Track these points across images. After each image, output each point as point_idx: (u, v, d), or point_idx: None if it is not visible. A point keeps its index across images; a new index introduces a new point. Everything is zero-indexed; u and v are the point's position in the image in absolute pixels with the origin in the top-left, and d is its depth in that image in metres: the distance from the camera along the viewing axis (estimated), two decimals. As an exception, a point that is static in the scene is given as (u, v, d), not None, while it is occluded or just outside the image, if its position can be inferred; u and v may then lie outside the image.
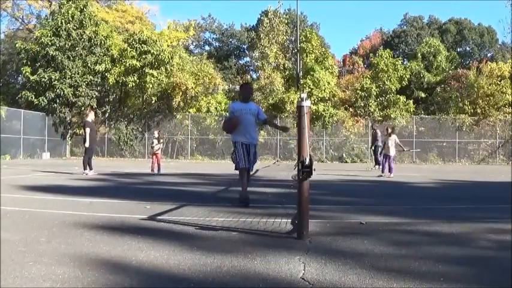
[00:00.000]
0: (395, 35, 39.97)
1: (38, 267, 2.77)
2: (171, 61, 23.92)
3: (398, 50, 37.81)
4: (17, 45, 23.51)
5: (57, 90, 22.16)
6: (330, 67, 26.04)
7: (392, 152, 12.10)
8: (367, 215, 5.05)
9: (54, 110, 22.84)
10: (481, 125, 24.33)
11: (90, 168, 11.14)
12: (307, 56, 25.22)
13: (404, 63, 29.94)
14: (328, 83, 24.27)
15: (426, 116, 25.39)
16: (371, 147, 16.31)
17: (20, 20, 32.93)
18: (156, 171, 12.02)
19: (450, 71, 28.57)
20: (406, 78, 25.57)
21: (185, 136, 24.48)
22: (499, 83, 24.46)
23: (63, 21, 22.66)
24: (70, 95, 22.50)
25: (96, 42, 23.41)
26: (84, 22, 23.27)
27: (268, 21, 27.52)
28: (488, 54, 37.74)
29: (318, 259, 3.05)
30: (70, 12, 22.85)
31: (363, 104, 24.76)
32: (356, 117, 24.68)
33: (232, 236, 3.85)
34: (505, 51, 36.25)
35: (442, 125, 24.63)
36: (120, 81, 23.37)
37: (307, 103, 3.69)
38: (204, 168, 16.35)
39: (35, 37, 24.02)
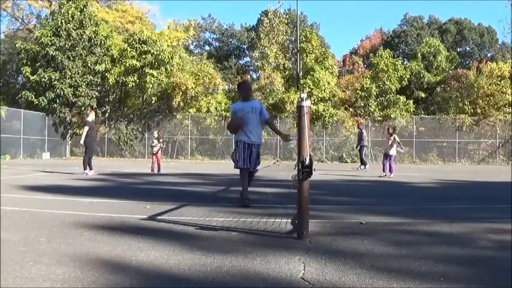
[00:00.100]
0: (395, 35, 39.96)
1: (38, 267, 2.77)
2: (171, 61, 23.92)
3: (398, 50, 37.80)
4: (17, 45, 23.52)
5: (57, 90, 22.15)
6: (330, 67, 26.03)
7: (393, 151, 12.10)
8: (367, 215, 5.05)
9: (54, 110, 22.84)
10: (481, 125, 24.32)
11: (90, 168, 11.14)
12: (307, 56, 25.22)
13: (404, 63, 29.93)
14: (328, 83, 24.26)
15: (426, 116, 25.38)
16: (357, 147, 16.32)
17: (20, 20, 32.96)
18: (156, 171, 12.02)
19: (450, 71, 28.55)
20: (406, 78, 25.56)
21: (185, 136, 24.48)
22: (499, 83, 24.44)
23: (63, 21, 22.66)
24: (70, 95, 22.50)
25: (96, 42, 23.41)
26: (84, 22, 23.27)
27: (268, 21, 27.52)
28: (488, 54, 37.74)
29: (318, 259, 3.05)
30: (70, 12, 22.85)
31: (362, 104, 24.76)
32: (356, 117, 24.67)
33: (232, 236, 3.85)
34: (505, 51, 36.25)
35: (442, 125, 24.62)
36: (120, 81, 23.37)
37: (307, 103, 3.69)
38: (204, 168, 16.36)
39: (35, 37, 24.02)
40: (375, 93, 24.64)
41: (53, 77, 22.10)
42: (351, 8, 67.77)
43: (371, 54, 32.38)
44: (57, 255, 3.08)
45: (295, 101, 19.04)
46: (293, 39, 29.10)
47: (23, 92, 22.69)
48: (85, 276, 2.60)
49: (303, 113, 3.66)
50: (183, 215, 4.88)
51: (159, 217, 4.73)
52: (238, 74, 33.78)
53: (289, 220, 4.44)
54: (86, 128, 11.17)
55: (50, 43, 22.30)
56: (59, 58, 22.28)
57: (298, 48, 22.65)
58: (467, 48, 39.14)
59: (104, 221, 4.48)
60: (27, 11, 32.50)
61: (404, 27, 41.08)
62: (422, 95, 27.40)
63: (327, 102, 24.45)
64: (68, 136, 24.35)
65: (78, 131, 23.07)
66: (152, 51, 23.13)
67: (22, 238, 3.60)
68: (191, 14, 77.33)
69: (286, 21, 28.79)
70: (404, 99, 24.88)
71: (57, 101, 22.57)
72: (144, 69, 23.04)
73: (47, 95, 22.23)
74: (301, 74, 23.48)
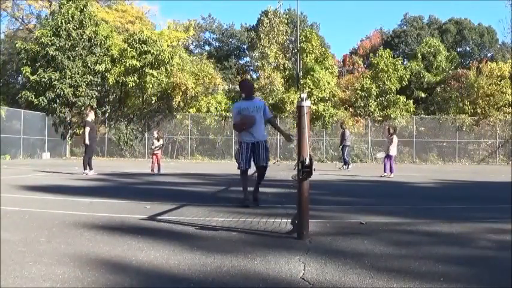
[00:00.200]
0: (395, 35, 39.95)
1: (38, 267, 2.77)
2: (171, 61, 23.92)
3: (398, 50, 37.80)
4: (17, 45, 23.52)
5: (57, 90, 22.15)
6: (330, 67, 26.03)
7: (393, 152, 12.09)
8: (367, 215, 5.05)
9: (54, 110, 22.83)
10: (481, 125, 24.33)
11: (90, 168, 11.14)
12: (307, 56, 25.21)
13: (404, 63, 29.93)
14: (328, 83, 24.26)
15: (426, 116, 25.38)
16: (339, 147, 16.28)
17: (20, 20, 32.96)
18: (156, 171, 12.02)
19: (450, 71, 28.55)
20: (406, 78, 25.55)
21: (185, 136, 24.48)
22: (499, 83, 24.44)
23: (63, 21, 22.66)
24: (70, 95, 22.50)
25: (96, 42, 23.41)
26: (84, 22, 23.27)
27: (268, 21, 27.51)
28: (488, 54, 37.73)
29: (318, 259, 3.05)
30: (70, 12, 22.85)
31: (362, 104, 24.75)
32: (356, 117, 24.68)
33: (232, 236, 3.85)
34: (505, 51, 36.25)
35: (442, 125, 24.62)
36: (120, 81, 23.37)
37: (307, 103, 3.69)
38: (204, 168, 16.35)
39: (35, 37, 24.02)
40: (375, 93, 24.63)
41: (53, 77, 22.10)
42: (351, 8, 67.83)
43: (371, 54, 32.37)
44: (57, 255, 3.08)
45: (295, 101, 19.03)
46: (293, 39, 29.09)
47: (23, 92, 22.69)
48: (85, 276, 2.60)
49: (303, 113, 3.67)
50: (183, 215, 4.88)
51: (159, 217, 4.73)
52: (238, 74, 33.79)
53: (289, 220, 4.44)
54: (88, 129, 11.18)
55: (50, 43, 22.30)
56: (59, 58, 22.28)
57: (298, 48, 22.62)
58: (467, 48, 39.14)
59: (104, 221, 4.48)
60: (27, 11, 32.56)
61: (404, 27, 41.07)
62: (422, 95, 27.40)
63: (327, 102, 24.45)
64: (68, 136, 24.35)
65: (78, 131, 23.10)
66: (152, 51, 23.13)
67: (22, 238, 3.60)
68: (191, 14, 77.42)
69: (286, 21, 28.78)
70: (404, 99, 24.88)
71: (57, 101, 22.57)
72: (144, 69, 23.04)
73: (47, 95, 22.23)
74: (301, 74, 23.47)
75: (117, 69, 23.29)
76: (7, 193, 6.63)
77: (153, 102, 24.81)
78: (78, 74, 22.67)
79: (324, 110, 23.85)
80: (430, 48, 29.19)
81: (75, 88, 22.64)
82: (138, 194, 6.99)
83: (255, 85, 24.19)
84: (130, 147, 24.40)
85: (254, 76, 32.85)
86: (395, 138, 12.12)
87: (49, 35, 22.49)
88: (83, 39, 23.08)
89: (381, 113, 24.47)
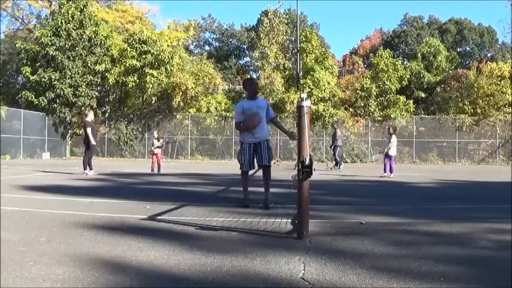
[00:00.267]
0: (395, 35, 39.95)
1: (38, 267, 2.77)
2: (171, 61, 23.91)
3: (398, 50, 37.80)
4: (17, 45, 23.52)
5: (57, 90, 22.15)
6: (330, 67, 26.03)
7: (393, 152, 12.09)
8: (367, 215, 5.05)
9: (54, 110, 22.83)
10: (481, 125, 24.32)
11: (90, 168, 11.14)
12: (307, 56, 25.21)
13: (404, 63, 29.92)
14: (328, 83, 24.26)
15: (426, 116, 25.37)
16: (331, 147, 16.20)
17: (20, 20, 32.96)
18: (156, 171, 12.02)
19: (450, 71, 28.55)
20: (406, 78, 25.55)
21: (185, 136, 24.48)
22: (499, 83, 24.44)
23: (63, 21, 22.65)
24: (70, 95, 22.50)
25: (96, 42, 23.41)
26: (84, 22, 23.27)
27: (268, 21, 27.50)
28: (488, 54, 37.72)
29: (318, 259, 3.05)
30: (70, 12, 22.85)
31: (362, 104, 24.75)
32: (356, 117, 24.68)
33: (232, 236, 3.85)
34: (505, 51, 36.24)
35: (442, 125, 24.62)
36: (120, 81, 23.36)
37: (307, 103, 3.69)
38: (204, 168, 16.35)
39: (35, 37, 24.02)
40: (375, 93, 24.63)
41: (53, 77, 22.10)
42: (351, 8, 67.84)
43: (371, 54, 32.37)
44: (57, 255, 3.08)
45: (295, 101, 19.03)
46: (293, 39, 29.08)
47: (23, 92, 22.69)
48: (85, 276, 2.60)
49: (303, 113, 3.67)
50: (183, 215, 4.88)
51: (159, 217, 4.73)
52: (238, 74, 33.78)
53: (289, 220, 4.44)
54: (89, 129, 11.20)
55: (50, 43, 22.29)
56: (59, 58, 22.27)
57: (298, 48, 22.64)
58: (467, 48, 39.14)
59: (104, 221, 4.48)
60: (27, 11, 32.56)
61: (404, 27, 41.07)
62: (422, 95, 27.40)
63: (327, 102, 24.45)
64: (68, 136, 24.35)
65: (78, 131, 23.09)
66: (152, 51, 23.13)
67: (22, 238, 3.60)
68: (191, 14, 77.44)
69: (286, 21, 28.76)
70: (404, 99, 24.87)
71: (57, 101, 22.57)
72: (144, 69, 23.04)
73: (47, 95, 22.22)
74: (301, 74, 23.48)
75: (117, 69, 23.29)
76: (7, 193, 6.63)
77: (153, 102, 24.81)
78: (78, 74, 22.67)
79: (324, 110, 23.85)
80: (430, 48, 29.19)
81: (75, 88, 22.64)
82: (138, 194, 6.99)
83: (255, 85, 24.19)
84: (130, 147, 24.40)
85: (254, 76, 32.83)
86: (393, 138, 12.09)
87: (49, 35, 22.48)
88: (83, 39, 23.08)
89: (381, 113, 24.47)
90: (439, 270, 2.81)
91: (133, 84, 23.33)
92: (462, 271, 2.84)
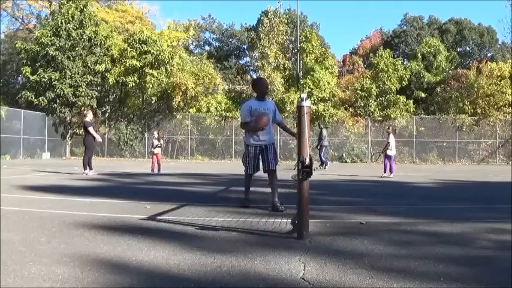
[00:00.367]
0: (395, 35, 39.91)
1: (38, 267, 2.77)
2: (171, 61, 23.93)
3: (398, 50, 37.76)
4: (17, 45, 23.54)
5: (57, 90, 22.16)
6: (330, 67, 26.00)
7: (392, 152, 12.08)
8: (367, 215, 5.05)
9: (54, 110, 22.84)
10: (481, 125, 24.33)
11: (90, 168, 11.14)
12: (307, 56, 25.21)
13: (404, 63, 29.91)
14: (328, 83, 24.26)
15: (426, 116, 25.37)
16: (316, 147, 16.09)
17: (20, 20, 32.97)
18: (156, 171, 12.03)
19: (450, 71, 28.55)
20: (406, 78, 25.53)
21: (185, 136, 24.48)
22: (499, 83, 24.44)
23: (63, 21, 22.66)
24: (70, 95, 22.50)
25: (96, 42, 23.42)
26: (84, 22, 23.27)
27: (268, 21, 27.47)
28: (488, 54, 37.69)
29: (318, 259, 3.05)
30: (70, 12, 22.85)
31: (362, 104, 24.75)
32: (356, 117, 24.68)
33: (232, 236, 3.85)
34: (505, 51, 36.21)
35: (442, 125, 24.62)
36: (120, 81, 23.38)
37: (307, 103, 3.69)
38: (204, 168, 16.35)
39: (35, 37, 24.05)
40: (375, 93, 24.62)
41: (53, 77, 22.10)
42: (351, 8, 67.72)
43: (371, 54, 32.35)
44: (57, 255, 3.08)
45: (295, 101, 19.01)
46: (293, 39, 29.06)
47: (23, 92, 22.69)
48: (85, 276, 2.60)
49: (303, 113, 3.67)
50: (183, 215, 4.88)
51: (159, 217, 4.73)
52: (238, 74, 33.76)
53: (289, 220, 4.43)
54: (91, 128, 11.24)
55: (50, 43, 22.29)
56: (59, 58, 22.28)
57: (298, 48, 22.60)
58: (467, 48, 39.10)
59: (104, 221, 4.48)
60: (27, 11, 32.56)
61: (404, 27, 41.02)
62: (422, 95, 27.40)
63: (327, 102, 24.45)
64: (68, 136, 24.35)
65: (78, 131, 23.09)
66: (152, 51, 23.13)
67: (22, 238, 3.60)
68: (191, 14, 77.44)
69: (286, 21, 28.74)
70: (404, 99, 24.87)
71: (57, 101, 22.57)
72: (144, 69, 23.05)
73: (47, 95, 22.23)
74: (301, 74, 23.47)
75: (117, 69, 23.30)
76: (7, 193, 6.63)
77: (153, 102, 24.81)
78: (78, 74, 22.67)
79: (324, 110, 23.85)
80: (430, 48, 29.19)
81: (75, 88, 22.64)
82: (138, 194, 7.00)
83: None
84: (130, 147, 24.40)
85: (254, 76, 32.82)
86: (390, 138, 12.07)
87: (49, 35, 22.49)
88: (83, 39, 23.08)
89: (381, 113, 24.46)
90: (439, 270, 2.81)
91: (133, 84, 23.34)
92: (462, 271, 2.84)
